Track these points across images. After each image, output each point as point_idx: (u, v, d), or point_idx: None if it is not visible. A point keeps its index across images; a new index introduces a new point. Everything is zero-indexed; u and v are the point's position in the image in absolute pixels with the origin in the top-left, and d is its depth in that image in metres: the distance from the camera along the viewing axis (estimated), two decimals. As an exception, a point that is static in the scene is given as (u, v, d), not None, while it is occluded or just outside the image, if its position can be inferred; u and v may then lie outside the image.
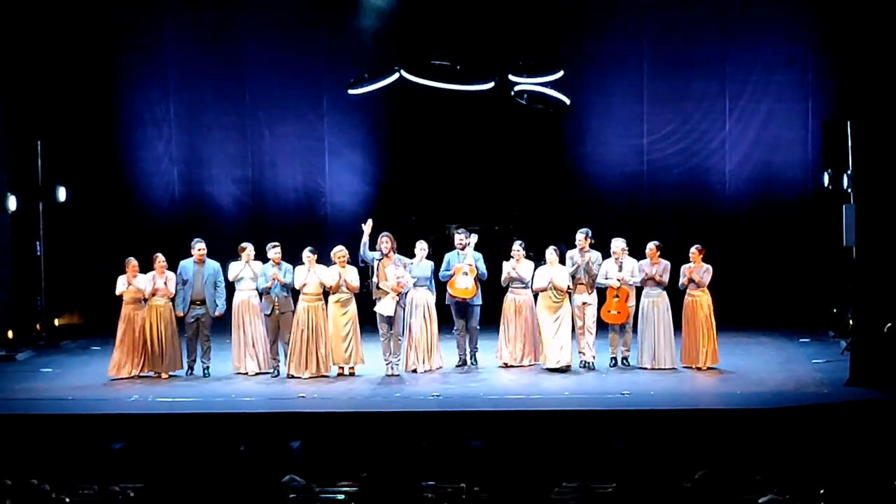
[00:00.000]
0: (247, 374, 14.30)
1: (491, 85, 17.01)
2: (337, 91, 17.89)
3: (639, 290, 14.36)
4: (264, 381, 13.97)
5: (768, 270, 17.69)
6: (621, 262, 14.29)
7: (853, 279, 13.54)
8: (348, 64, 17.65)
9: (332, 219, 18.45)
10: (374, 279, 14.07)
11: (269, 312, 14.12)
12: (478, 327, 14.65)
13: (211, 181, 18.58)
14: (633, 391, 12.93)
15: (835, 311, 16.64)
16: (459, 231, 14.68)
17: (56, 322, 17.97)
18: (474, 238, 14.59)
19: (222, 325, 14.69)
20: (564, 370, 14.08)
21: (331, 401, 12.85)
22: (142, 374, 14.15)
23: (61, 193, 17.43)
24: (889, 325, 12.93)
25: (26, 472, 8.30)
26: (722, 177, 18.13)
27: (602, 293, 14.46)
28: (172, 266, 14.32)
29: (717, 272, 14.27)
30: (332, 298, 14.04)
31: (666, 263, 14.23)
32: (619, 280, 14.25)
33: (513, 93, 16.92)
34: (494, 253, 14.91)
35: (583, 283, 14.26)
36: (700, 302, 14.11)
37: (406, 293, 14.09)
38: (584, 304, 14.28)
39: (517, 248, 14.42)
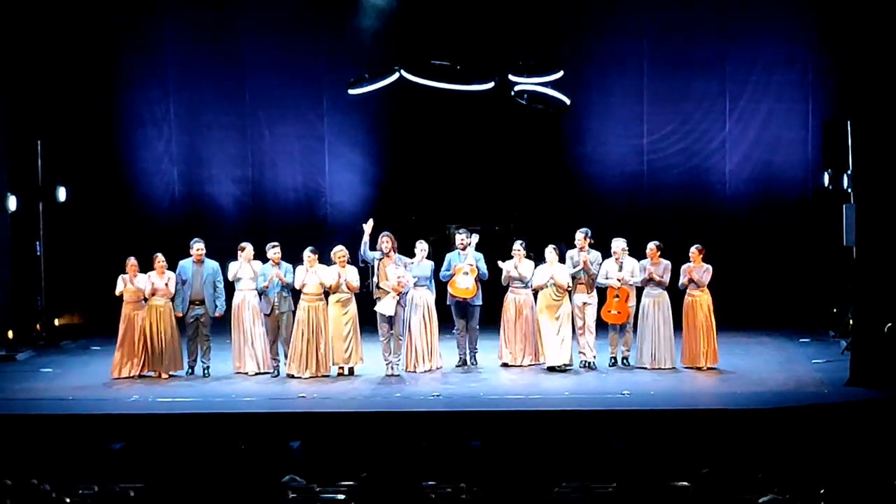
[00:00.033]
0: (247, 374, 14.30)
1: (491, 85, 17.01)
2: (337, 91, 17.89)
3: (639, 290, 14.36)
4: (264, 381, 13.96)
5: (768, 270, 17.70)
6: (621, 262, 14.30)
7: (853, 279, 13.54)
8: (348, 64, 17.65)
9: (332, 219, 18.46)
10: (375, 279, 14.07)
11: (268, 312, 14.12)
12: (478, 327, 14.66)
13: (211, 181, 18.58)
14: (633, 391, 12.94)
15: (835, 311, 16.64)
16: (461, 231, 14.69)
17: (56, 322, 17.95)
18: (475, 238, 14.60)
19: (222, 325, 14.69)
20: (565, 369, 14.08)
21: (331, 401, 12.86)
22: (142, 374, 14.16)
23: (61, 193, 17.42)
24: (889, 325, 12.93)
25: (26, 472, 8.31)
26: (722, 177, 18.14)
27: (602, 293, 14.47)
28: (172, 266, 14.32)
29: (717, 272, 14.27)
30: (332, 298, 14.04)
31: (666, 263, 14.23)
32: (619, 280, 14.26)
33: (513, 93, 16.92)
34: (495, 253, 14.91)
35: (583, 283, 14.27)
36: (700, 302, 14.11)
37: (406, 293, 14.09)
38: (584, 303, 14.29)
39: (518, 247, 14.42)
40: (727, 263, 15.96)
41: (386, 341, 14.05)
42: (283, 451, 10.56)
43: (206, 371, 14.32)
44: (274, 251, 14.10)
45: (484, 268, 14.51)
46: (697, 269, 14.13)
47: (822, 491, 7.75)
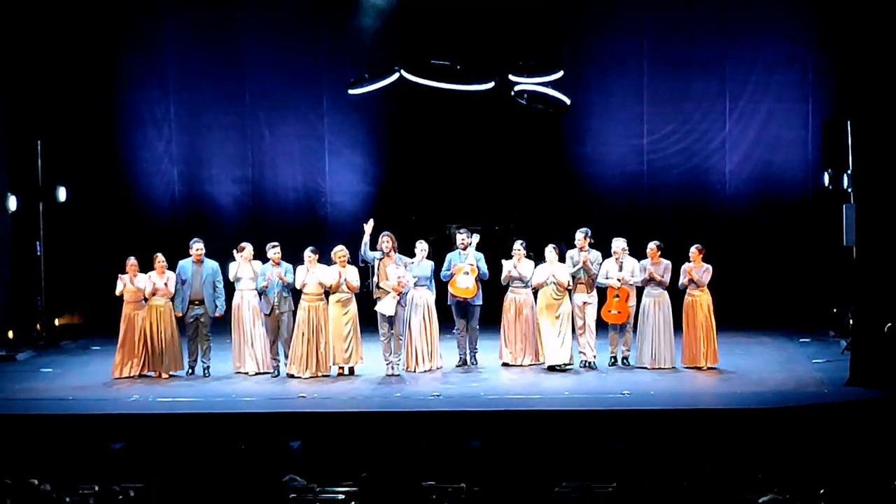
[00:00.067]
0: (247, 374, 14.30)
1: (491, 85, 17.00)
2: (337, 91, 17.90)
3: (640, 290, 14.36)
4: (264, 381, 13.96)
5: (768, 270, 17.69)
6: (622, 262, 14.30)
7: (853, 279, 13.54)
8: (348, 64, 17.65)
9: (332, 219, 18.46)
10: (375, 279, 14.07)
11: (268, 312, 14.12)
12: (478, 327, 14.66)
13: (211, 181, 18.58)
14: (633, 391, 12.94)
15: (835, 311, 16.64)
16: (461, 231, 14.69)
17: (56, 322, 17.95)
18: (476, 238, 14.60)
19: (222, 325, 14.68)
20: (565, 369, 14.08)
21: (331, 401, 12.86)
22: (142, 374, 14.16)
23: (61, 193, 17.42)
24: (889, 325, 12.93)
25: (26, 472, 8.32)
26: (722, 177, 18.13)
27: (602, 293, 14.47)
28: (172, 266, 14.32)
29: (717, 272, 14.27)
30: (332, 298, 14.04)
31: (667, 263, 14.23)
32: (619, 280, 14.26)
33: (513, 93, 16.91)
34: (495, 253, 14.91)
35: (583, 283, 14.28)
36: (700, 302, 14.11)
37: (406, 293, 14.09)
38: (584, 303, 14.29)
39: (518, 247, 14.42)
40: (727, 263, 15.95)
41: (386, 341, 14.05)
42: (283, 451, 10.57)
43: (206, 371, 14.32)
44: (274, 251, 14.09)
45: (484, 268, 14.51)
46: (697, 268, 14.13)
47: (822, 491, 7.76)
